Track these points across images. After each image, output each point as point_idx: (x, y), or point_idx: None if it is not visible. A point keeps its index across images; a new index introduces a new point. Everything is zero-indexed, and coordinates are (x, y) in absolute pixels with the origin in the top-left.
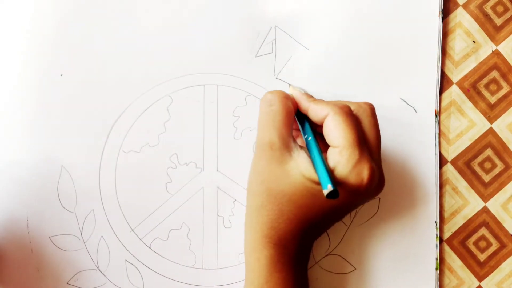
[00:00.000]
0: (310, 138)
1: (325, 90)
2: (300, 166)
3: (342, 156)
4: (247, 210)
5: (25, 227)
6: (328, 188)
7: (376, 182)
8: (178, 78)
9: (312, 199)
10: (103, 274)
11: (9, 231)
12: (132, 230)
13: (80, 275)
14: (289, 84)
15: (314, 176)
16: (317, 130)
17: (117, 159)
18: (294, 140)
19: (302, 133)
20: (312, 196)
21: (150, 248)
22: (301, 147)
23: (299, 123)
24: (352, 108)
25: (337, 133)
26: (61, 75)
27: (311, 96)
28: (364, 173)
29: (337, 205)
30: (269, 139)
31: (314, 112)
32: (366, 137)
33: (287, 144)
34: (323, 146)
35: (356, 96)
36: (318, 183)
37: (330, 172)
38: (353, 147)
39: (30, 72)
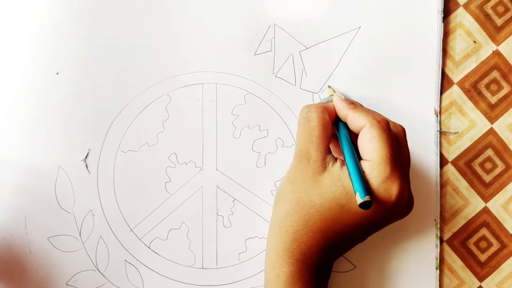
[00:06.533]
0: (346, 146)
1: (323, 89)
2: (333, 176)
3: (372, 170)
4: (272, 221)
5: (23, 228)
6: (362, 198)
7: (405, 201)
8: (176, 76)
9: (339, 213)
10: (102, 274)
11: (7, 232)
12: (131, 230)
13: (79, 276)
14: (329, 86)
15: (347, 184)
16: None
17: (116, 159)
18: (330, 152)
19: (339, 141)
20: (340, 209)
21: (149, 248)
22: (335, 158)
23: (338, 130)
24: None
25: (370, 146)
26: (57, 73)
27: (352, 103)
28: (392, 189)
29: (363, 221)
30: (306, 152)
31: (352, 120)
32: (400, 157)
33: (323, 157)
34: (359, 155)
35: (356, 96)
36: (349, 194)
37: (365, 182)
38: (385, 163)
39: (28, 72)
